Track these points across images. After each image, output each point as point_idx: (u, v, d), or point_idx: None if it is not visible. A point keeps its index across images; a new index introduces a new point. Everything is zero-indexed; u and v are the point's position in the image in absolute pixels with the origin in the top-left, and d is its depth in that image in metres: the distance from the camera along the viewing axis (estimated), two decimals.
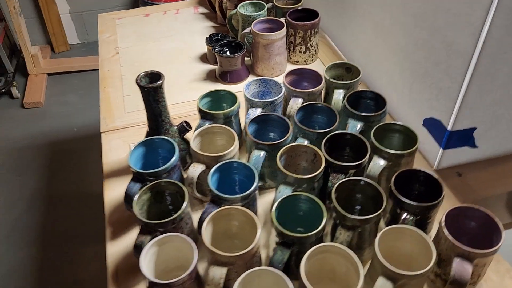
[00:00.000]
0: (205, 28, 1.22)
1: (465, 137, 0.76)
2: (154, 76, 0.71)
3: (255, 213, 0.67)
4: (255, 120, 0.73)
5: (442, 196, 0.60)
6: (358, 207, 0.66)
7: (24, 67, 2.36)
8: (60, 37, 2.59)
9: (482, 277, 0.60)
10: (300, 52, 1.03)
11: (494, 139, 0.78)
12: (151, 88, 0.69)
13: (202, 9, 1.32)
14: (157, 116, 0.73)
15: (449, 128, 0.74)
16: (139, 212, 0.61)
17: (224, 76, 1.00)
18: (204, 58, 1.10)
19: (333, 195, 0.60)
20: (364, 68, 0.88)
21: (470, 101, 0.70)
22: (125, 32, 1.23)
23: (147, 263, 0.55)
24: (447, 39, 0.69)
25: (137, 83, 0.69)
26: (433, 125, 0.78)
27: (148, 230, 0.59)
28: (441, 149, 0.77)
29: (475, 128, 0.74)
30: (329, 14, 1.11)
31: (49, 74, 2.42)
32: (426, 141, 0.81)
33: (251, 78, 1.00)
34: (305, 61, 1.05)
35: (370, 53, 0.96)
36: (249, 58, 1.06)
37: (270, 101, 0.77)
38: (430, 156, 0.81)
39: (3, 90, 2.23)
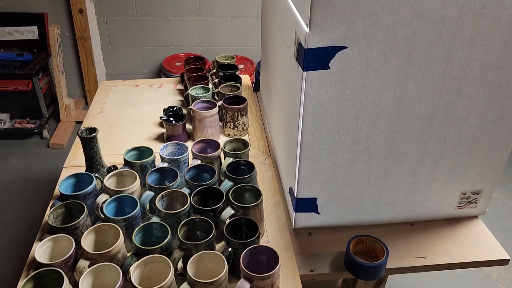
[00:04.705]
0: (176, 101, 1.56)
1: (309, 205, 1.00)
2: (92, 130, 1.03)
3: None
4: (156, 170, 1.02)
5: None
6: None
7: (58, 114, 2.82)
8: (94, 93, 3.06)
9: None
10: (230, 128, 1.33)
11: (335, 211, 1.01)
12: (87, 138, 1.01)
13: (180, 86, 1.67)
14: (91, 159, 1.04)
15: (295, 195, 0.99)
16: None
17: (168, 138, 1.31)
18: (162, 124, 1.42)
19: (179, 229, 0.86)
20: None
21: (305, 177, 0.95)
22: (114, 97, 1.59)
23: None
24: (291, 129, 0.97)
25: (78, 134, 1.01)
26: (291, 193, 1.03)
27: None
28: (294, 212, 1.01)
29: (315, 199, 0.99)
30: (270, 102, 1.41)
31: (77, 122, 2.86)
32: (290, 205, 1.06)
33: (190, 143, 1.30)
34: (234, 135, 1.34)
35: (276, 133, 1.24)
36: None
37: (174, 158, 1.06)
38: (292, 217, 1.05)
39: (35, 131, 2.67)
